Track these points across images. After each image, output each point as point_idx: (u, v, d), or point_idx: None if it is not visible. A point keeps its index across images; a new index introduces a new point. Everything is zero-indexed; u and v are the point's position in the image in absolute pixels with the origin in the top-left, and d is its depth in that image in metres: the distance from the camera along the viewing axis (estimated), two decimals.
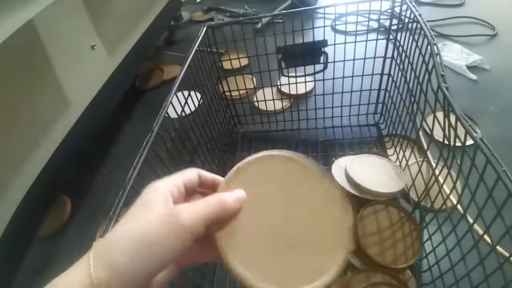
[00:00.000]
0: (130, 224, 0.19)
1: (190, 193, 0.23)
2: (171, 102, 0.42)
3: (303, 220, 0.24)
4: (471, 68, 0.80)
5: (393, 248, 0.47)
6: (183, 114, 0.49)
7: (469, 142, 0.30)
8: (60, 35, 0.59)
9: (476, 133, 0.28)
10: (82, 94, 0.65)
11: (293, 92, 0.76)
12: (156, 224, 0.18)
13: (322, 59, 0.61)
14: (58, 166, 0.60)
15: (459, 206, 0.36)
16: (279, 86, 0.82)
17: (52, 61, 0.56)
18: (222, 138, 0.67)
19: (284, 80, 0.73)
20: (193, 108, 0.54)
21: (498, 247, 0.27)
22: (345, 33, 0.70)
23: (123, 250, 0.18)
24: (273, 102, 0.72)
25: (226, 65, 0.67)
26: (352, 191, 0.52)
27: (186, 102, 0.49)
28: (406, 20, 0.52)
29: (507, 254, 0.25)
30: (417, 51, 0.48)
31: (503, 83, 0.76)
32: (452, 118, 0.33)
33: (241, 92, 0.72)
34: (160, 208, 0.19)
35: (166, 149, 0.41)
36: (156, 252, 0.18)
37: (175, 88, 0.44)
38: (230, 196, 0.23)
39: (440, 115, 0.38)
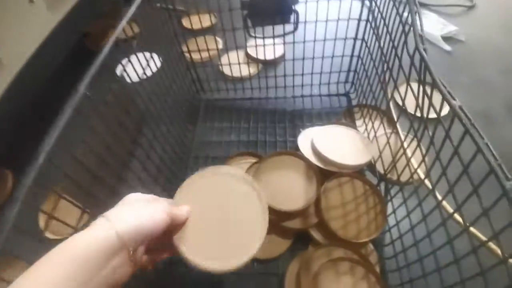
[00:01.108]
0: (127, 207, 0.27)
1: None
2: (106, 58, 0.35)
3: (232, 215, 0.33)
4: (446, 38, 0.78)
5: (356, 221, 0.46)
6: (135, 79, 0.42)
7: (444, 112, 0.27)
8: None
9: (455, 100, 0.25)
10: (16, 53, 0.55)
11: (261, 57, 0.70)
12: (145, 208, 0.27)
13: (292, 18, 0.55)
14: None
15: (427, 181, 0.33)
16: (247, 49, 0.75)
17: None
18: (182, 107, 0.61)
19: (252, 43, 0.66)
20: (149, 71, 0.47)
21: (471, 229, 0.25)
22: None
23: (130, 215, 0.25)
24: (239, 66, 0.66)
25: (186, 23, 0.59)
26: (317, 163, 0.49)
27: (129, 61, 0.42)
28: None
29: (483, 237, 0.24)
30: (394, 11, 0.43)
31: (477, 55, 0.75)
32: (428, 89, 0.30)
33: (203, 55, 0.64)
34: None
35: (99, 115, 0.34)
36: (149, 217, 0.26)
37: (110, 43, 0.36)
38: (180, 209, 0.31)
39: (414, 85, 0.35)
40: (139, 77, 0.45)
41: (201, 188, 0.34)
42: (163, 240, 0.29)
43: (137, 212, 0.26)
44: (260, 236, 0.32)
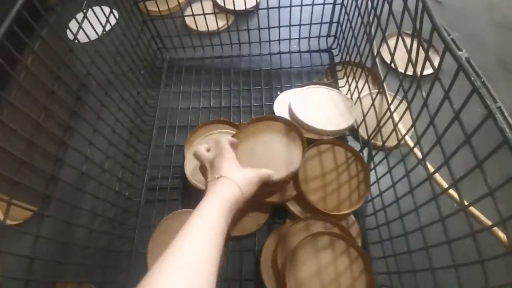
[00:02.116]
0: (239, 171, 0.34)
1: None
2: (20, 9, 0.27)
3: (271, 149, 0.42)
4: None
5: (336, 192, 0.42)
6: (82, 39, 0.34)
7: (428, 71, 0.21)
8: None
9: (461, 50, 0.19)
10: None
11: (231, 6, 0.60)
12: (251, 174, 0.35)
13: None
14: None
15: (416, 150, 0.29)
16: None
17: None
18: (139, 69, 0.52)
19: None
20: (92, 28, 0.39)
21: (472, 209, 0.21)
22: None
23: (244, 182, 0.33)
24: (205, 18, 0.56)
25: None
26: None
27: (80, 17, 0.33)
28: None
29: (485, 220, 0.20)
30: None
31: (468, 6, 0.68)
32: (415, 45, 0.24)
33: (162, 6, 0.54)
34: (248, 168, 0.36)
35: (18, 85, 0.27)
36: (253, 185, 0.34)
37: None
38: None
39: (405, 39, 0.29)
40: (74, 34, 0.36)
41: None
42: None
43: (248, 178, 0.34)
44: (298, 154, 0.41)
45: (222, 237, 0.27)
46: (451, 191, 0.23)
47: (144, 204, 0.47)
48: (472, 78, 0.17)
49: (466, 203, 0.21)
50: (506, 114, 0.17)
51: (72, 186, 0.33)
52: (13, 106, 0.27)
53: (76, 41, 0.36)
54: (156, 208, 0.46)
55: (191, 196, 0.46)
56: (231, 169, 0.34)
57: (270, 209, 0.44)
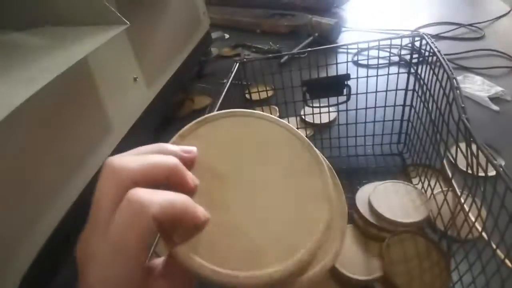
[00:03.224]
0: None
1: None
2: None
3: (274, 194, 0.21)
4: (493, 99, 0.81)
5: (420, 278, 0.47)
6: None
7: (492, 172, 0.32)
8: (107, 68, 0.66)
9: (496, 160, 0.30)
10: (123, 120, 0.72)
11: (316, 121, 0.79)
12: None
13: (345, 91, 0.64)
14: None
15: (483, 233, 0.36)
16: (303, 116, 0.86)
17: (98, 91, 0.63)
18: None
19: (307, 110, 0.77)
20: None
21: None
22: (367, 66, 0.73)
23: None
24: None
25: (254, 96, 0.73)
26: (376, 222, 0.53)
27: None
28: (426, 53, 0.55)
29: None
30: (438, 84, 0.50)
31: None
32: (474, 148, 0.35)
33: None
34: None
35: None
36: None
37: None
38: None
39: (463, 145, 0.40)
40: None
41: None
42: None
43: None
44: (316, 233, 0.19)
45: None
46: (507, 261, 0.29)
47: None
48: (505, 180, 0.27)
49: None
50: None
51: None
52: None
53: None
54: None
55: None
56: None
57: None
